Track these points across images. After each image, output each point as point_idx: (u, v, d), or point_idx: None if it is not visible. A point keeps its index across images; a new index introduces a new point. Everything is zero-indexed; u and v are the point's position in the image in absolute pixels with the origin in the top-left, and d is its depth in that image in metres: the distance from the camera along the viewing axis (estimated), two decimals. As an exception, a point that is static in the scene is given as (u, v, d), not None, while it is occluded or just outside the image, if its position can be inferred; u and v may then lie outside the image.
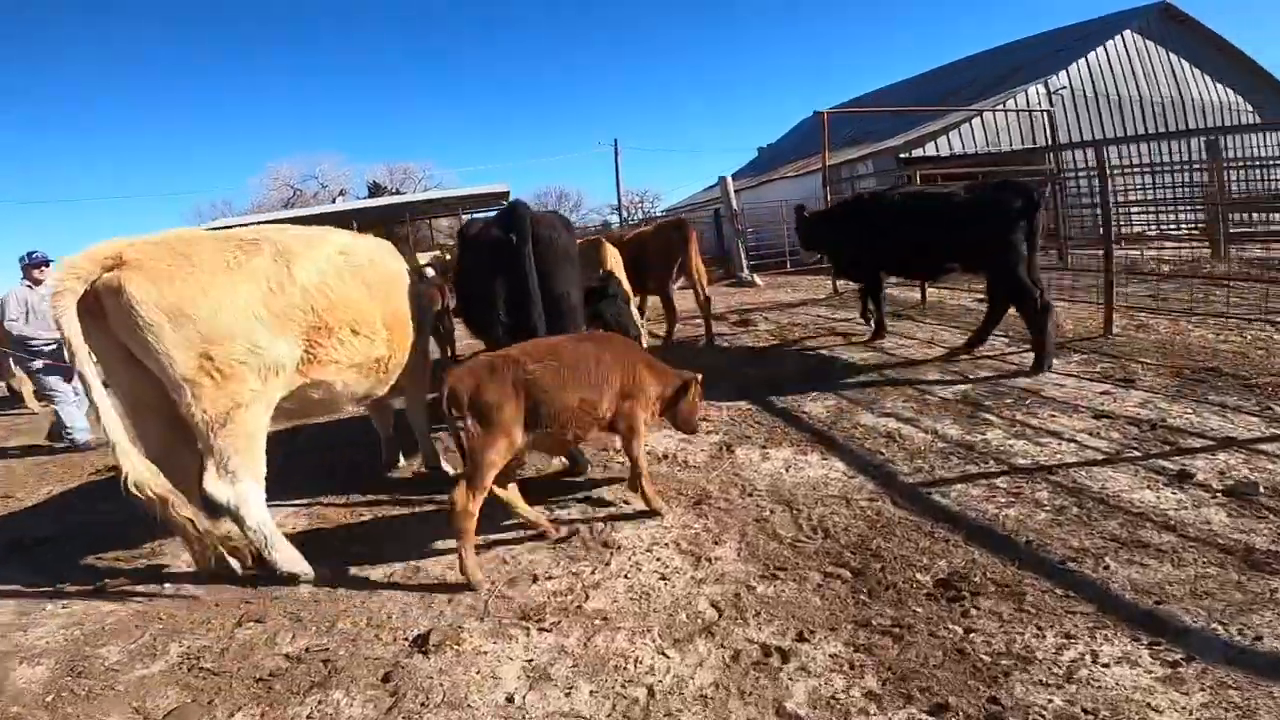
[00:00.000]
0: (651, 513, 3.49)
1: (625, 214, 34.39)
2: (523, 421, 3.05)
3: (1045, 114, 14.03)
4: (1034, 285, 5.10)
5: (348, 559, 3.39)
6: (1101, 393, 4.52)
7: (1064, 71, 17.24)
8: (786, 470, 3.90)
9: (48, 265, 6.04)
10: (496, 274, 4.00)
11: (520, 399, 3.04)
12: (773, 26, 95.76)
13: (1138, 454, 3.55)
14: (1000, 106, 15.75)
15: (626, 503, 3.70)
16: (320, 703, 2.34)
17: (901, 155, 14.94)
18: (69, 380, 6.08)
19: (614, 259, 5.86)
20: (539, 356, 3.14)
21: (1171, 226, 11.34)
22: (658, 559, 3.14)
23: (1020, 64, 19.64)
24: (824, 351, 6.49)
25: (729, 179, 12.82)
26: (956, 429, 4.17)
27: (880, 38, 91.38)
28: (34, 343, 6.06)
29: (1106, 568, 2.60)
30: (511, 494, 3.35)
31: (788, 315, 8.82)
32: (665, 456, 4.36)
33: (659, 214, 29.99)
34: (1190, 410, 4.04)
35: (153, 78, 70.07)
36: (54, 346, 5.92)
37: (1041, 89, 16.64)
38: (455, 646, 2.55)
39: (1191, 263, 9.01)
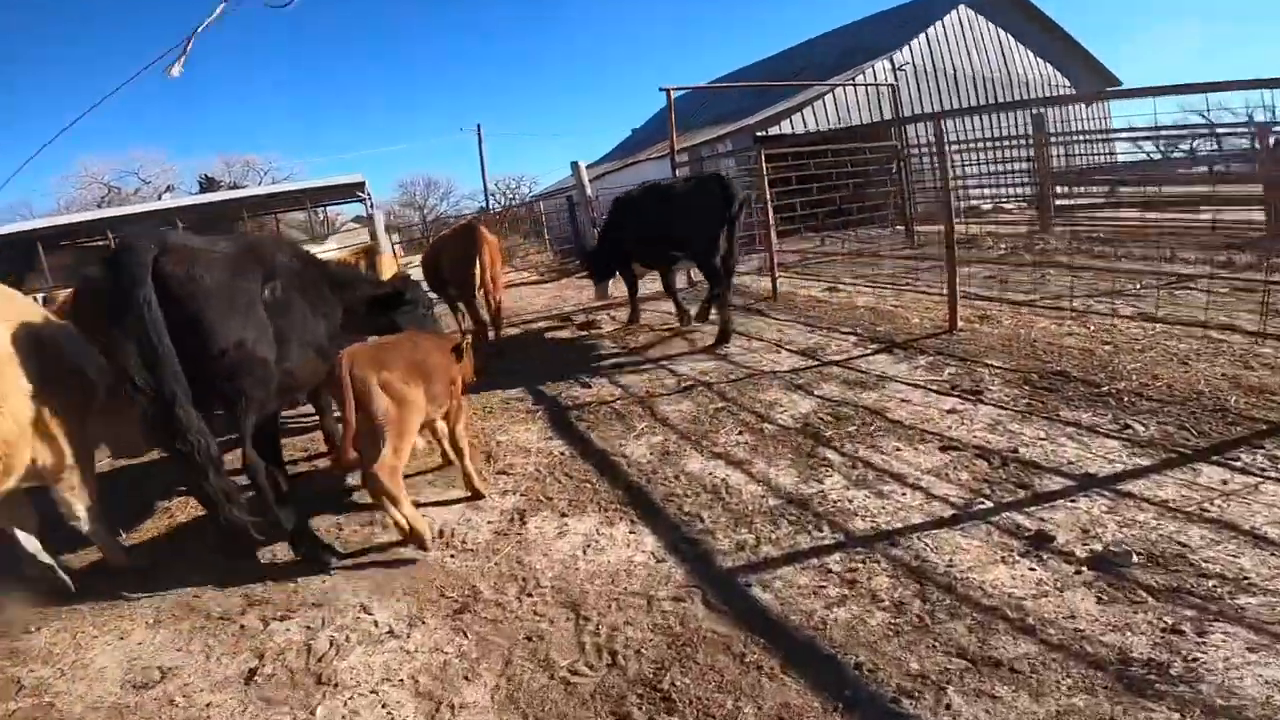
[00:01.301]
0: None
1: (496, 201, 32.93)
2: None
3: (889, 89, 14.00)
4: (727, 272, 5.94)
5: None
6: (949, 410, 4.01)
7: (907, 47, 17.42)
8: (584, 551, 3.07)
9: None
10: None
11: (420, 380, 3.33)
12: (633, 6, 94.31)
13: (989, 505, 2.99)
14: (849, 82, 15.65)
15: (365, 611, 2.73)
16: None
17: (758, 134, 14.52)
18: None
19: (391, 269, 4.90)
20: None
21: (1005, 201, 11.53)
22: (383, 704, 2.30)
23: (867, 41, 19.81)
24: (665, 363, 5.73)
25: (581, 164, 11.89)
26: (792, 475, 3.50)
27: (743, 19, 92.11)
28: None
29: (949, 706, 1.94)
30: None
31: (640, 312, 8.02)
32: (441, 534, 3.41)
33: (530, 199, 28.75)
34: (1043, 434, 3.57)
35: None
36: None
37: (887, 64, 16.76)
38: None
39: (1025, 237, 9.02)
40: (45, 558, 3.21)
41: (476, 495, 3.72)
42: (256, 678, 2.50)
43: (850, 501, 3.15)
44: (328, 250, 8.78)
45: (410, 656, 2.53)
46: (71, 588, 3.20)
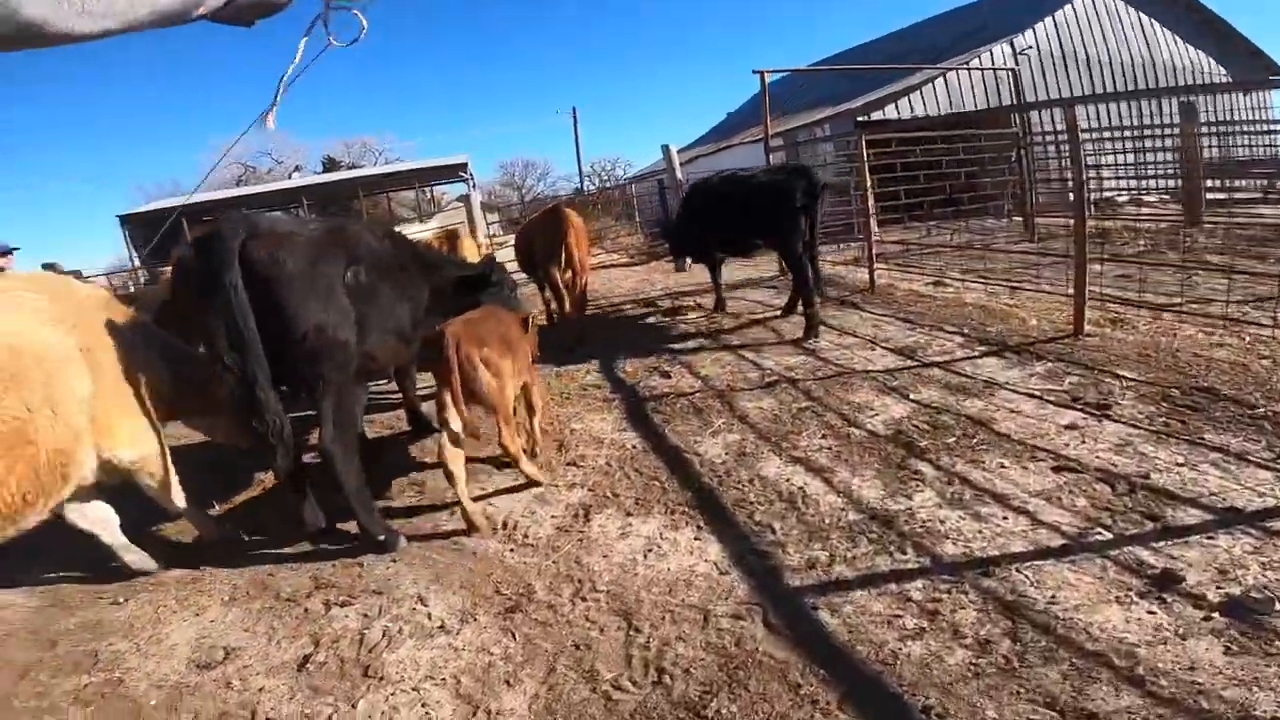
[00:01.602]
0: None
1: (590, 183, 33.28)
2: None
3: (1009, 73, 12.94)
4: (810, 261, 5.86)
5: None
6: (1067, 425, 3.55)
7: (1030, 30, 16.09)
8: (645, 556, 2.91)
9: (11, 254, 6.21)
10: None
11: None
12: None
13: (1108, 536, 2.59)
14: (964, 66, 14.58)
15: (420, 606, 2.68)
16: None
17: (860, 119, 13.81)
18: None
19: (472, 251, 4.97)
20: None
21: (1145, 193, 10.42)
22: (423, 704, 2.23)
23: (984, 23, 18.43)
24: (749, 355, 5.47)
25: (672, 148, 11.67)
26: (878, 488, 3.19)
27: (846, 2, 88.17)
28: None
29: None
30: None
31: (728, 300, 7.75)
32: (504, 527, 3.33)
33: (623, 181, 28.87)
34: (1181, 459, 3.09)
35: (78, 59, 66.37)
36: None
37: (1007, 48, 15.50)
38: None
39: (1169, 233, 8.07)
40: (121, 542, 3.29)
41: (533, 482, 3.69)
42: (309, 665, 2.50)
43: (942, 522, 2.82)
44: (426, 230, 9.06)
45: (457, 654, 2.45)
46: (154, 566, 3.31)
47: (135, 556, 3.28)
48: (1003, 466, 3.24)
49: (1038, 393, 4.04)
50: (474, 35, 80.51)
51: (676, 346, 6.07)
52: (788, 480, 3.37)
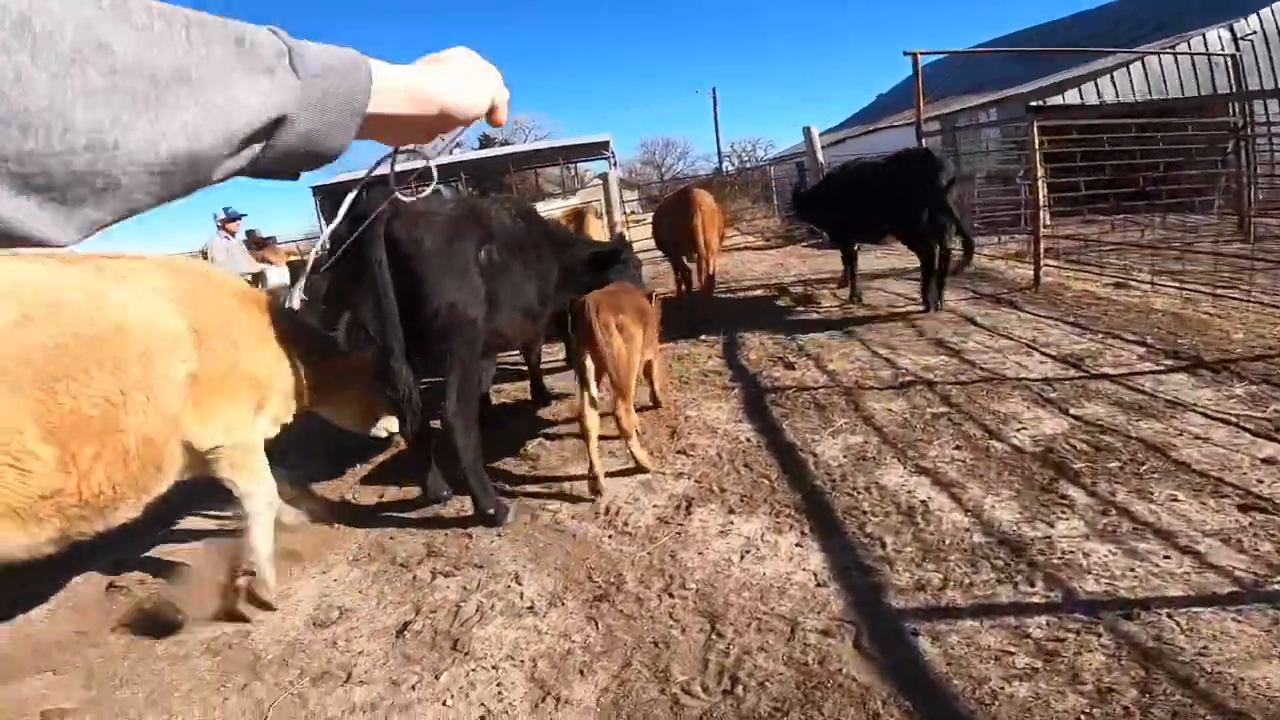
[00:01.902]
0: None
1: (730, 163, 32.94)
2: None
3: (1228, 59, 11.11)
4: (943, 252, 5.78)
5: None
6: (1265, 459, 2.99)
7: (1255, 15, 13.70)
8: (742, 557, 2.78)
9: (239, 220, 7.43)
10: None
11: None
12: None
13: (1296, 593, 2.13)
14: (1168, 50, 12.67)
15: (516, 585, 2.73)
16: None
17: (1033, 104, 12.46)
18: None
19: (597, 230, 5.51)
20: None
21: None
22: (498, 683, 2.27)
23: (1188, 6, 15.91)
24: (884, 351, 5.11)
25: (813, 129, 11.17)
26: (1013, 510, 2.84)
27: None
28: None
29: None
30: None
31: (862, 291, 7.32)
32: (606, 511, 3.32)
33: (763, 163, 28.30)
34: None
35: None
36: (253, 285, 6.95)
37: (1224, 33, 13.29)
38: None
39: None
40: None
41: (640, 468, 3.66)
42: (406, 632, 2.62)
43: (1085, 555, 2.45)
44: (556, 208, 9.32)
45: (539, 637, 2.47)
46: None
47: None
48: (1175, 500, 2.77)
49: (1233, 418, 3.43)
50: (621, 15, 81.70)
51: (804, 336, 5.80)
52: (909, 492, 3.09)
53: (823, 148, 18.95)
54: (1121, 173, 8.16)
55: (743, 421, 4.17)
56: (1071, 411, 3.73)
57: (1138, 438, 3.34)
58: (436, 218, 3.39)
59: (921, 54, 7.95)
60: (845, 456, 3.53)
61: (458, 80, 0.71)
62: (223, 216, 7.54)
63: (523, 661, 2.35)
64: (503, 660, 2.38)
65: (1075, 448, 3.32)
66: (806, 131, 11.25)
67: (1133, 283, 6.15)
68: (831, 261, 9.12)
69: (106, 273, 2.47)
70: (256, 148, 0.52)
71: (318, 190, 26.65)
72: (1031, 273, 6.64)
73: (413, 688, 2.31)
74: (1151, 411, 3.62)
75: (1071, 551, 2.49)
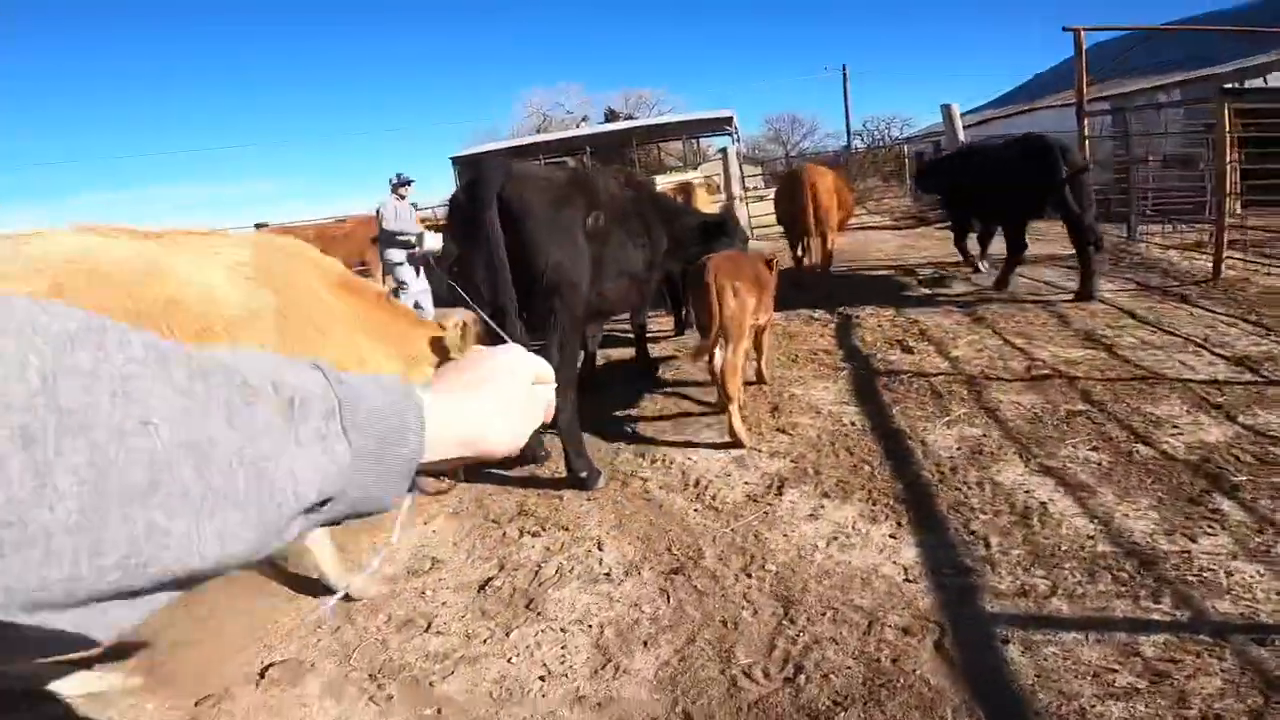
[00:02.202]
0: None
1: (861, 141, 31.61)
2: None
3: None
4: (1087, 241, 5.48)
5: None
6: None
7: None
8: (828, 544, 2.64)
9: (410, 185, 7.86)
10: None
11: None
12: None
13: None
14: None
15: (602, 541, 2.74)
16: None
17: (1228, 85, 10.84)
18: (418, 274, 7.78)
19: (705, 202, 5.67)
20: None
21: None
22: (563, 645, 2.29)
23: None
24: (1018, 340, 4.68)
25: (954, 107, 10.33)
26: (1151, 520, 2.51)
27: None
28: (400, 238, 7.67)
29: None
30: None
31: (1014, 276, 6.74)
32: (695, 484, 3.27)
33: (897, 141, 26.85)
34: None
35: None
36: (413, 245, 7.59)
37: None
38: None
39: None
40: None
41: (737, 442, 3.59)
42: (487, 588, 2.69)
43: (1228, 575, 2.12)
44: (670, 181, 9.29)
45: (611, 604, 2.47)
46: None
47: None
48: (1359, 526, 2.34)
49: None
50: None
51: (928, 320, 5.42)
52: (1027, 492, 2.81)
53: (966, 128, 17.60)
54: None
55: (849, 404, 3.96)
56: (1240, 419, 3.25)
57: (1320, 454, 2.86)
58: (546, 182, 3.47)
59: (1085, 30, 7.14)
60: (959, 448, 3.26)
61: (513, 414, 0.63)
62: (395, 180, 7.99)
63: (590, 627, 2.36)
64: (572, 624, 2.39)
65: (1238, 459, 2.89)
66: (945, 109, 10.44)
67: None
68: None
69: (177, 247, 2.37)
70: (298, 523, 0.45)
71: (456, 161, 28.04)
72: (1210, 264, 5.83)
73: (484, 642, 2.37)
74: (1344, 426, 3.08)
75: (1212, 569, 2.17)
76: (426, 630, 2.50)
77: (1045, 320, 5.11)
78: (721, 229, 4.46)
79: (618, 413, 4.31)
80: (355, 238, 10.16)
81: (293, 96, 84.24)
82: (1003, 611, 2.11)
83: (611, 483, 3.45)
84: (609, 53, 76.23)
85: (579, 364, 3.99)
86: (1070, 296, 5.64)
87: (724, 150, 14.09)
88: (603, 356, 5.39)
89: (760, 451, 3.51)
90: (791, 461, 3.36)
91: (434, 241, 7.72)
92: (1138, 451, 3.04)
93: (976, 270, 7.09)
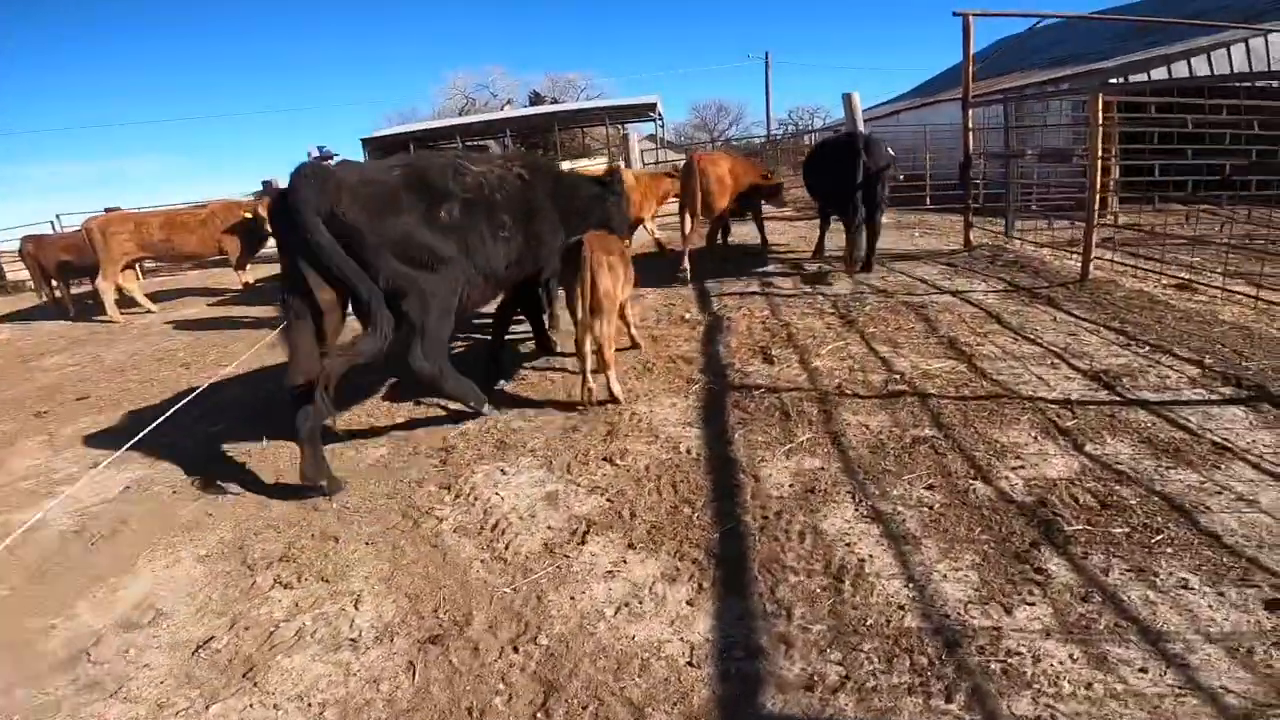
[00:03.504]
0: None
1: (783, 130, 32.18)
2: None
3: None
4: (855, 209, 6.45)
5: None
6: (1323, 539, 2.34)
7: None
8: (616, 612, 2.34)
9: (331, 159, 7.04)
10: None
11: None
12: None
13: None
14: None
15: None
16: None
17: (1113, 80, 11.13)
18: None
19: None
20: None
21: None
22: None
23: None
24: (883, 347, 4.48)
25: (854, 96, 10.19)
26: (969, 585, 2.30)
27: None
28: None
29: None
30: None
31: (885, 274, 6.62)
32: (493, 527, 2.90)
33: (819, 131, 27.30)
34: None
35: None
36: None
37: None
38: None
39: None
40: None
41: (614, 399, 4.02)
42: (204, 650, 2.36)
43: (1035, 661, 1.90)
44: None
45: (346, 678, 2.19)
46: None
47: None
48: (1185, 586, 2.18)
49: (1291, 474, 2.77)
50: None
51: (800, 323, 5.21)
52: (848, 545, 2.55)
53: (876, 119, 17.74)
54: (1204, 158, 7.22)
55: (692, 425, 3.66)
56: (1087, 448, 3.11)
57: (1162, 493, 2.72)
58: (372, 189, 3.46)
59: (974, 15, 7.02)
60: (792, 485, 2.99)
61: None
62: (314, 154, 7.24)
63: (310, 706, 2.01)
64: (290, 700, 2.04)
65: (1077, 500, 2.72)
66: (846, 98, 10.26)
67: (1199, 284, 5.32)
68: (885, 237, 8.48)
69: None
70: None
71: (366, 143, 26.78)
72: (1078, 264, 5.83)
73: (176, 715, 2.02)
74: (1189, 457, 2.97)
75: (1019, 653, 1.95)
76: (113, 695, 2.14)
77: (913, 325, 4.95)
78: (611, 184, 5.12)
79: (439, 431, 3.90)
80: (212, 226, 9.30)
81: (193, 72, 78.70)
82: (781, 713, 1.81)
83: (403, 521, 3.05)
84: (536, 35, 74.84)
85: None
86: (950, 296, 5.54)
87: (625, 136, 13.83)
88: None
89: (578, 486, 3.17)
90: (608, 500, 3.02)
91: None
92: (974, 491, 2.84)
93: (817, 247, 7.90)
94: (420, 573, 2.68)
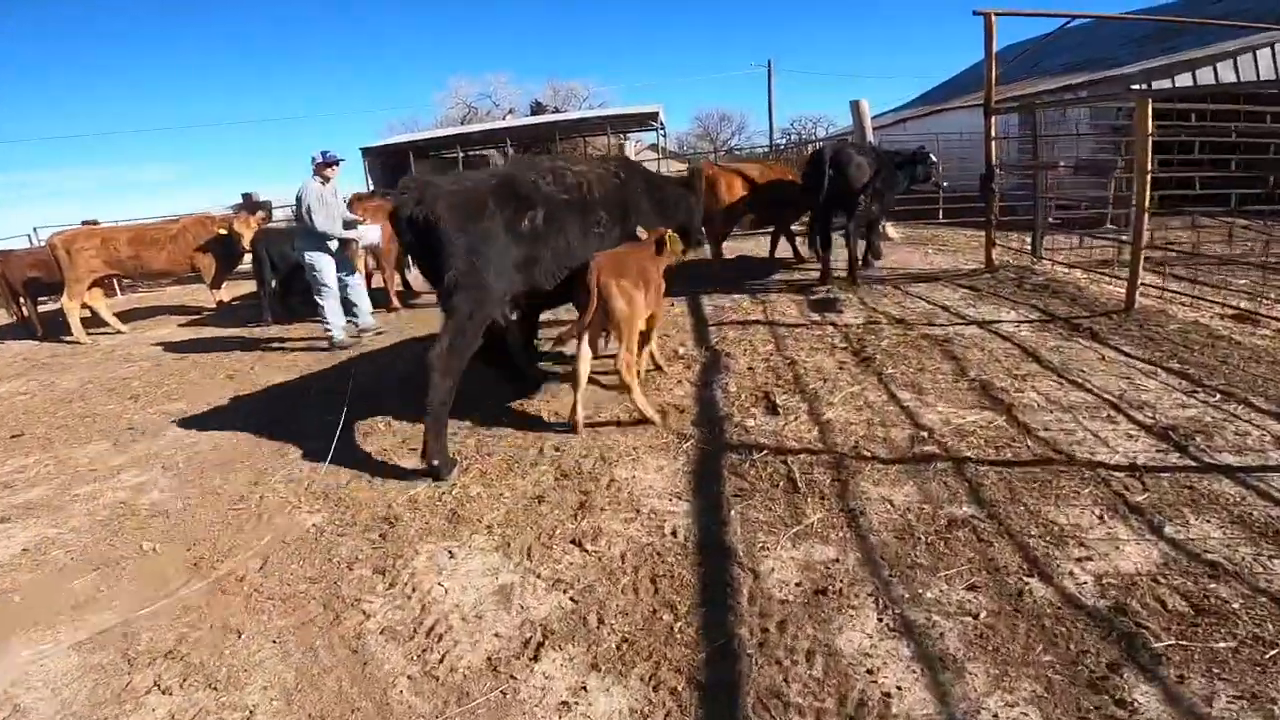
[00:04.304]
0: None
1: (786, 140, 32.02)
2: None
3: None
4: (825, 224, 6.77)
5: None
6: None
7: None
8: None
9: (337, 165, 6.61)
10: None
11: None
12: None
13: None
14: None
15: None
16: None
17: (1136, 85, 10.57)
18: (338, 273, 6.63)
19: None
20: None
21: None
22: None
23: None
24: (905, 393, 3.91)
25: (863, 104, 9.65)
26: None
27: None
28: (322, 233, 6.40)
29: None
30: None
31: (901, 299, 6.05)
32: (429, 630, 2.35)
33: (823, 140, 27.03)
34: None
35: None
36: (336, 243, 6.52)
37: None
38: None
39: None
40: None
41: (647, 420, 3.87)
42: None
43: None
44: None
45: None
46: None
47: None
48: None
49: None
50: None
51: (808, 361, 4.64)
52: (870, 673, 1.98)
53: (883, 127, 17.14)
54: (1245, 169, 6.69)
55: (680, 498, 3.09)
56: (1167, 530, 2.53)
57: (1269, 592, 2.15)
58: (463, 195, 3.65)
59: (996, 14, 6.47)
60: (800, 583, 2.42)
61: None
62: (319, 158, 6.65)
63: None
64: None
65: (1164, 605, 2.15)
66: (854, 105, 9.72)
67: (1261, 314, 4.73)
68: (897, 253, 8.05)
69: None
70: None
71: (366, 152, 26.44)
72: (1124, 291, 5.23)
73: None
74: (1295, 542, 2.39)
75: None
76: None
77: (939, 365, 4.36)
78: (690, 182, 5.27)
79: (388, 493, 3.37)
80: (183, 242, 8.89)
81: (196, 79, 78.88)
82: None
83: (323, 614, 2.52)
84: (540, 42, 74.89)
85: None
86: (975, 326, 4.98)
87: (622, 145, 13.51)
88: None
89: (537, 578, 2.61)
90: (572, 600, 2.46)
91: (372, 234, 6.98)
92: (1030, 592, 2.26)
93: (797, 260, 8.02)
94: (332, 688, 2.14)
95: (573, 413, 3.85)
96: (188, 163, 77.82)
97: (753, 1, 79.08)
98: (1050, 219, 7.41)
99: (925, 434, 3.42)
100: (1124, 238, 5.88)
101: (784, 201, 7.66)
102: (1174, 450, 3.12)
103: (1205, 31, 12.43)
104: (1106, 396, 3.68)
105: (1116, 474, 2.94)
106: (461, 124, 35.88)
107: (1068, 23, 6.46)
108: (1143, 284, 5.22)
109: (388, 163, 26.53)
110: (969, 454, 3.20)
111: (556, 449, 3.70)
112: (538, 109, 37.06)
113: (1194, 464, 3.00)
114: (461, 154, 27.39)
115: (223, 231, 8.81)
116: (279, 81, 78.60)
